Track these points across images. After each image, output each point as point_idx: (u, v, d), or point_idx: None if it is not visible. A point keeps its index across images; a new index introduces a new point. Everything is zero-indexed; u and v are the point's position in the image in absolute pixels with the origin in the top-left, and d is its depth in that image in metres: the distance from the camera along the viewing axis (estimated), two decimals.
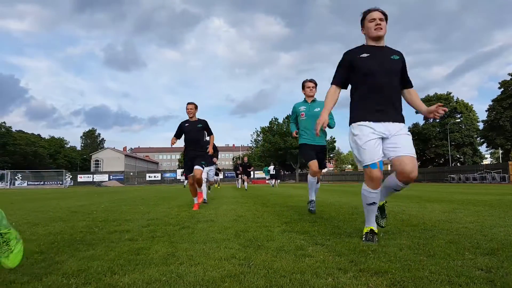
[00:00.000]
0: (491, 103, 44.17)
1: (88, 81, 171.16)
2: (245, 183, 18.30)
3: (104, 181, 46.70)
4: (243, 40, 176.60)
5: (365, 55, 2.81)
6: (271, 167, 23.45)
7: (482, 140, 47.06)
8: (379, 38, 2.85)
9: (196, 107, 6.38)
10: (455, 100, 50.17)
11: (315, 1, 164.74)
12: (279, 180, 24.48)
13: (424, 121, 51.48)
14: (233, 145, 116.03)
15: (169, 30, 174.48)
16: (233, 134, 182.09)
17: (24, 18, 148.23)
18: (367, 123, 2.75)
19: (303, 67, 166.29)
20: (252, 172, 23.97)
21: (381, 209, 3.14)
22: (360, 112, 2.81)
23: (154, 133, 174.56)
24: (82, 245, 2.86)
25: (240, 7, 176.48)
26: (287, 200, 7.93)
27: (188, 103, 6.32)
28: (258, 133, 64.66)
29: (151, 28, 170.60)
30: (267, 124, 58.68)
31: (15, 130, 62.50)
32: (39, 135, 69.24)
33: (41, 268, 2.17)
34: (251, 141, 65.35)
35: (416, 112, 51.08)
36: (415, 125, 51.98)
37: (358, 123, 2.79)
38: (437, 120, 50.12)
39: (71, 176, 48.36)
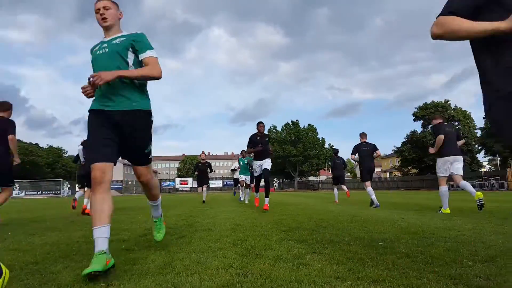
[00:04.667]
0: None
1: None
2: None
3: None
4: (243, 49, 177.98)
5: None
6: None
7: (480, 147, 47.16)
8: None
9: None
10: (452, 108, 50.36)
11: (314, 11, 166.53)
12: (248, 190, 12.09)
13: (422, 129, 51.64)
14: (232, 153, 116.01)
15: (170, 39, 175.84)
16: (232, 142, 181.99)
17: (24, 28, 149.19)
18: None
19: (303, 76, 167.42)
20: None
21: None
22: None
23: (153, 142, 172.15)
24: (78, 256, 2.84)
25: (241, 17, 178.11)
26: (286, 209, 7.90)
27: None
28: None
29: (152, 38, 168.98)
30: (265, 132, 58.75)
31: None
32: (37, 144, 69.04)
33: (35, 279, 2.15)
34: None
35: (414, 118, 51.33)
36: (413, 132, 52.09)
37: None
38: None
39: (69, 186, 48.10)
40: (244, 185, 11.81)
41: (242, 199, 12.20)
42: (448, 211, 6.04)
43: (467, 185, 6.13)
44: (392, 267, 2.20)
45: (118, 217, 6.59)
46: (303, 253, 2.70)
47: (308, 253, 2.70)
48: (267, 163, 7.62)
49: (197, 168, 12.36)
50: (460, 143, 6.46)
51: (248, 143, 7.85)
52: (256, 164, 7.87)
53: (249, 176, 11.54)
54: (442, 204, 6.21)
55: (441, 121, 6.57)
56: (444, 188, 6.22)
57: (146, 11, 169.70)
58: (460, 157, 6.27)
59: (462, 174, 6.18)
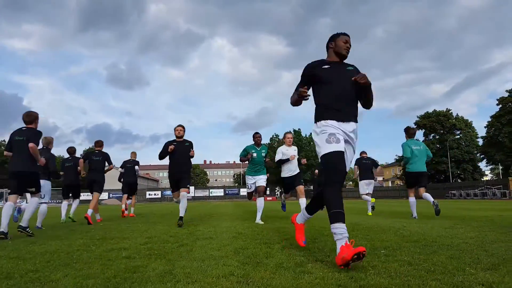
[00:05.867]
0: (490, 119, 44.39)
1: (91, 100, 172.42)
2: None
3: (103, 199, 46.34)
4: (246, 59, 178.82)
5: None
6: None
7: (482, 156, 47.04)
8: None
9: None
10: (454, 117, 50.37)
11: (317, 21, 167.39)
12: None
13: (424, 138, 51.62)
14: (234, 162, 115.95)
15: (173, 49, 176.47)
16: (234, 151, 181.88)
17: (28, 38, 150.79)
18: None
19: None
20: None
21: None
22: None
23: (155, 151, 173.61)
24: (78, 263, 2.82)
25: (243, 28, 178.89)
26: (288, 217, 7.86)
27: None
28: None
29: (155, 48, 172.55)
30: (267, 141, 58.58)
31: None
32: None
33: (35, 287, 2.14)
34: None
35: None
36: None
37: None
38: (437, 137, 50.20)
39: (70, 195, 47.95)
40: (256, 195, 6.94)
41: (258, 219, 6.65)
42: (370, 214, 8.81)
43: (367, 197, 9.21)
44: (394, 275, 2.18)
45: (118, 226, 6.57)
46: (304, 261, 2.68)
47: (309, 261, 2.68)
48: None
49: (166, 149, 6.57)
50: (376, 170, 9.60)
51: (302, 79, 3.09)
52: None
53: (264, 177, 6.99)
54: (368, 208, 9.20)
55: (364, 155, 9.67)
56: (366, 197, 9.25)
57: (150, 21, 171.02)
58: (372, 181, 9.37)
59: (371, 192, 9.34)
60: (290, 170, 6.98)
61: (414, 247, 3.21)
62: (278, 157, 7.07)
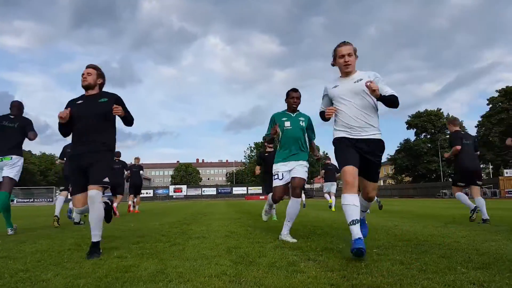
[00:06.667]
0: (480, 119, 44.93)
1: None
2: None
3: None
4: (239, 57, 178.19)
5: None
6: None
7: None
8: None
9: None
10: (445, 116, 50.87)
11: (310, 19, 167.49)
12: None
13: (415, 137, 52.05)
14: (227, 160, 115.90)
15: (166, 47, 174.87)
16: (227, 149, 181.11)
17: (20, 34, 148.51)
18: None
19: (297, 84, 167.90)
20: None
21: None
22: None
23: (148, 149, 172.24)
24: (69, 263, 2.79)
25: (236, 26, 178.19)
26: (280, 216, 7.86)
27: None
28: (252, 148, 64.66)
29: (148, 45, 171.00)
30: (260, 140, 58.57)
31: None
32: (29, 151, 68.42)
33: (25, 286, 2.11)
34: (244, 156, 65.32)
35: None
36: (407, 140, 52.51)
37: None
38: (428, 136, 50.69)
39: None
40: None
41: (285, 232, 3.90)
42: (331, 201, 11.16)
43: (327, 196, 11.69)
44: (386, 274, 2.19)
45: (110, 225, 6.51)
46: (297, 260, 2.68)
47: (302, 260, 2.68)
48: None
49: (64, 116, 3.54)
50: (338, 175, 11.03)
51: None
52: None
53: (305, 163, 4.04)
54: (331, 201, 11.14)
55: (329, 161, 11.87)
56: (327, 196, 11.73)
57: (143, 19, 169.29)
58: (335, 183, 11.80)
59: (334, 192, 11.55)
60: (348, 126, 3.09)
61: (406, 246, 3.23)
62: (323, 104, 3.43)
